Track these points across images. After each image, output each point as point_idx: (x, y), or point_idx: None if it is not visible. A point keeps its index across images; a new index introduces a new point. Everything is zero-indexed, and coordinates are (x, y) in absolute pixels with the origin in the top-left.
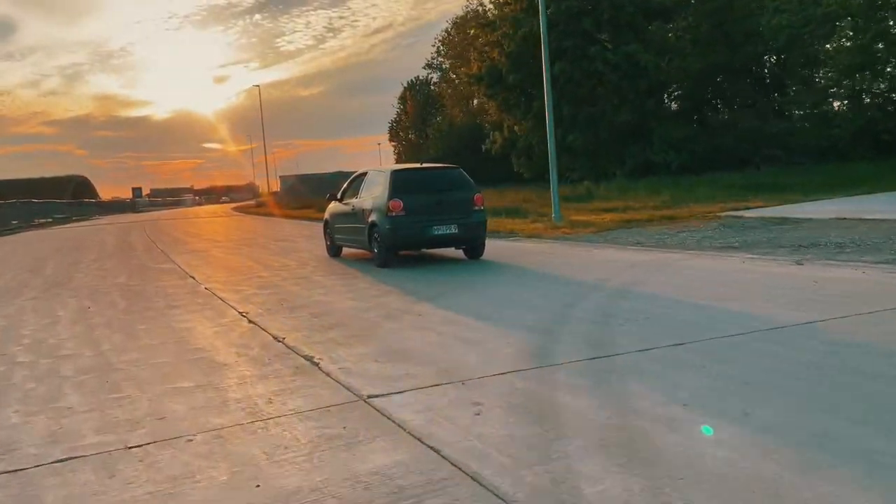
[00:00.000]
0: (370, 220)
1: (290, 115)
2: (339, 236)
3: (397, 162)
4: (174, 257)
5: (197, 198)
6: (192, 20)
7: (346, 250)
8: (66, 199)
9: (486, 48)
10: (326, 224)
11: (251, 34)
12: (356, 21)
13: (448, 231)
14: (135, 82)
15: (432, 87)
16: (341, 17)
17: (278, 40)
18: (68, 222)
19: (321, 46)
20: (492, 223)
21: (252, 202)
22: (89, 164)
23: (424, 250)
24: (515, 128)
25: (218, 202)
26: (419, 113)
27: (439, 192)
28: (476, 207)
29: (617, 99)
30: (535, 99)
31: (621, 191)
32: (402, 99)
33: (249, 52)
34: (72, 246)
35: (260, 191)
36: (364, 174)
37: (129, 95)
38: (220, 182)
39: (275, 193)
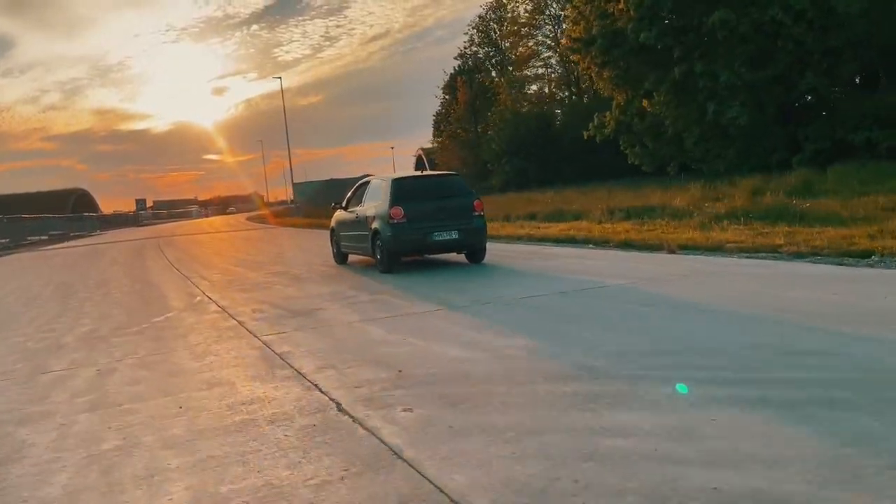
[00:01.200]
0: (373, 227)
1: (290, 124)
2: (344, 244)
3: (440, 160)
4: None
5: (202, 209)
6: (190, 32)
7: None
8: (67, 213)
9: (593, 4)
10: (332, 232)
11: (249, 45)
12: (353, 29)
13: (449, 237)
14: (134, 96)
15: (485, 75)
16: (338, 26)
17: (276, 50)
18: (65, 240)
19: (319, 55)
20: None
21: (266, 212)
22: (91, 179)
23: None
24: (644, 104)
25: (225, 213)
26: (471, 103)
27: (440, 199)
28: (476, 213)
29: (799, 60)
30: (676, 63)
31: (833, 187)
32: (450, 88)
33: (247, 62)
34: (63, 282)
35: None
36: (367, 183)
37: (129, 109)
38: (220, 193)
39: (292, 202)
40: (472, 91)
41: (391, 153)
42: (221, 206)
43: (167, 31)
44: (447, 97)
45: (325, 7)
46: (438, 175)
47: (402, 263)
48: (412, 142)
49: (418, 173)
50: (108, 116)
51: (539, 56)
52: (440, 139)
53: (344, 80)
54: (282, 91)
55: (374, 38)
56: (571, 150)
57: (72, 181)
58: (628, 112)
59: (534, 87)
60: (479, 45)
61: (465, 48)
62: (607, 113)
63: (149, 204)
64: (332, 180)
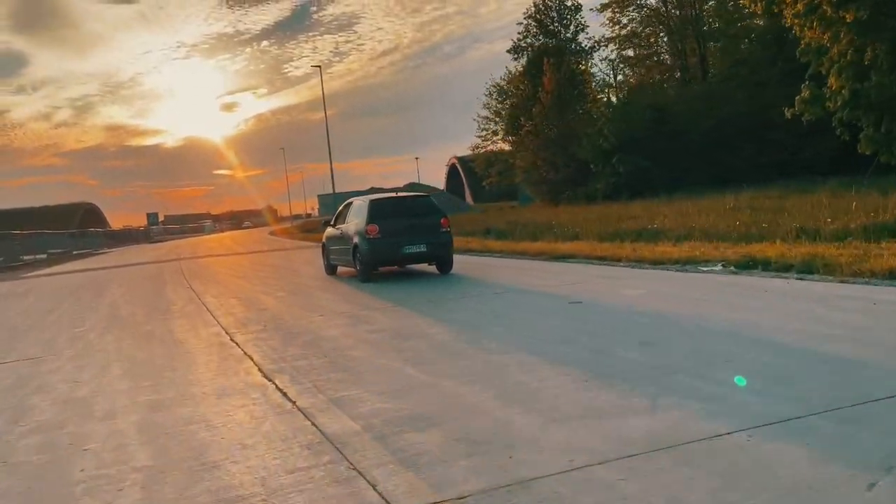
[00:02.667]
0: (354, 242)
1: (299, 139)
2: (332, 257)
3: (515, 164)
4: None
5: (216, 224)
6: (200, 49)
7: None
8: (74, 227)
9: None
10: (323, 247)
11: (259, 61)
12: (362, 45)
13: (418, 249)
14: (145, 112)
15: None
16: (347, 42)
17: (286, 66)
18: (66, 259)
19: (328, 71)
20: None
21: (289, 226)
22: (101, 195)
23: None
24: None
25: (240, 227)
26: (559, 93)
27: (411, 218)
28: (443, 229)
29: None
30: None
31: None
32: (530, 75)
33: (257, 78)
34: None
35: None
36: (351, 203)
37: (140, 125)
38: (231, 207)
39: (307, 216)
40: (560, 77)
41: (399, 168)
42: (235, 220)
43: (178, 47)
44: (521, 88)
45: (335, 23)
46: (412, 196)
47: (377, 273)
48: (426, 154)
49: (393, 195)
50: (118, 133)
51: (638, 35)
52: (512, 138)
53: (353, 95)
54: (321, 82)
55: (384, 54)
56: (700, 146)
57: (83, 197)
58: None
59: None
60: (535, 35)
61: (520, 40)
62: (830, 81)
63: (161, 218)
64: (373, 190)
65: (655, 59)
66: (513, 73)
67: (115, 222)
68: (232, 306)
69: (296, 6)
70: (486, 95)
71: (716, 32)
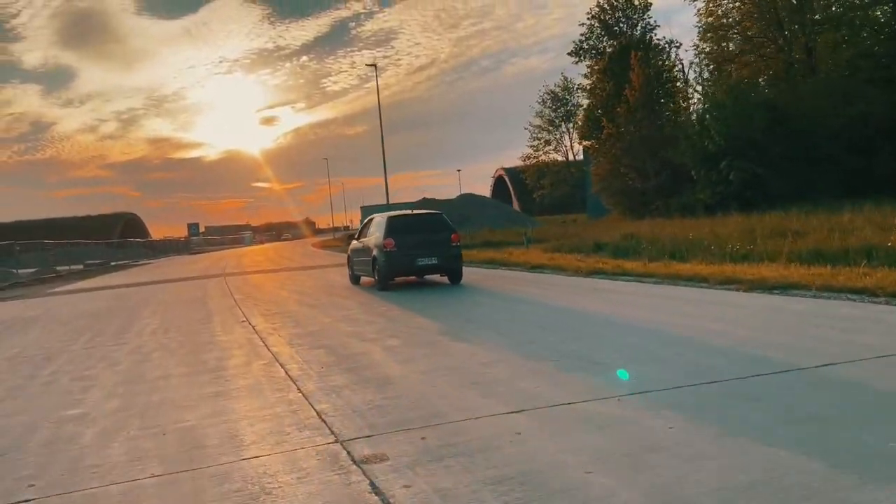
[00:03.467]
0: (373, 254)
1: (336, 153)
2: (356, 268)
3: (597, 171)
4: None
5: (255, 235)
6: (242, 63)
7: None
8: (115, 237)
9: None
10: (349, 259)
11: (298, 76)
12: (399, 60)
13: (430, 262)
14: (187, 125)
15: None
16: (385, 57)
17: (324, 81)
18: (103, 271)
19: (365, 86)
20: None
21: (331, 238)
22: (144, 206)
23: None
24: None
25: (280, 239)
26: (648, 90)
27: (424, 233)
28: (453, 244)
29: None
30: None
31: None
32: (611, 73)
33: (296, 93)
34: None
35: (316, 227)
36: (372, 219)
37: (182, 138)
38: (268, 219)
39: (345, 228)
40: (651, 72)
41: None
42: (273, 232)
43: (220, 62)
44: (601, 87)
45: (373, 38)
46: (425, 213)
47: (393, 282)
48: (467, 167)
49: (409, 212)
50: (162, 145)
51: (734, 28)
52: (589, 143)
53: (390, 110)
54: (377, 80)
55: (421, 69)
56: (827, 150)
57: (126, 208)
58: None
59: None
60: (599, 36)
61: (583, 41)
62: None
63: (201, 229)
64: (428, 202)
65: (759, 53)
66: (590, 71)
67: (157, 233)
68: (329, 371)
69: (335, 22)
70: (539, 103)
71: (829, 22)
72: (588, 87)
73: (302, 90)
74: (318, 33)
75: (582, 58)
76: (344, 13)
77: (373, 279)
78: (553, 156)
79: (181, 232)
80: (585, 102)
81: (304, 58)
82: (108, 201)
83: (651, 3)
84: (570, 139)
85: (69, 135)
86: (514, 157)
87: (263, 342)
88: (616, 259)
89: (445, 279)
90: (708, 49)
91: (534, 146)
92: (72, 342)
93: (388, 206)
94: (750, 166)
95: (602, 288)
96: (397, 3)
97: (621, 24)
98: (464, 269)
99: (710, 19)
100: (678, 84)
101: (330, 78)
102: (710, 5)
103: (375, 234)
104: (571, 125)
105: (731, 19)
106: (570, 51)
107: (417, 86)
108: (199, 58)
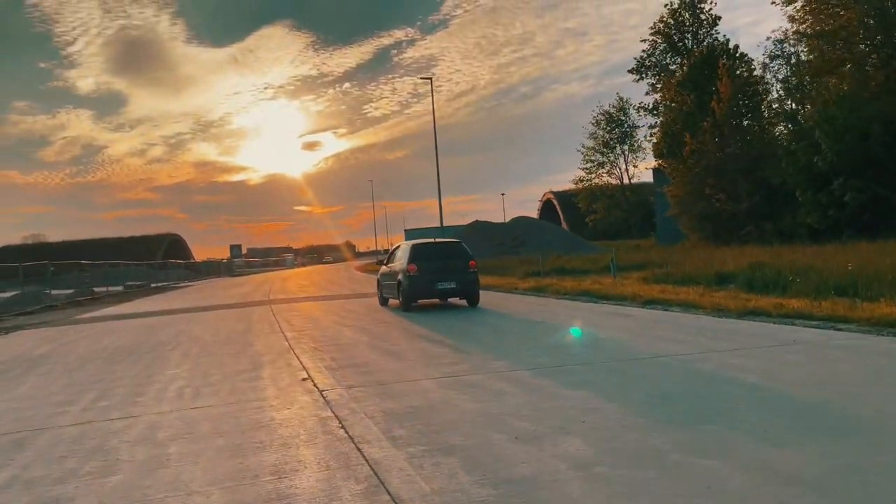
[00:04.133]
0: (398, 278)
1: (376, 177)
2: (384, 291)
3: (674, 192)
4: None
5: (297, 258)
6: (286, 90)
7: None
8: (159, 258)
9: None
10: (378, 282)
11: (340, 101)
12: (440, 87)
13: (449, 286)
14: (232, 149)
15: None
16: (426, 83)
17: (366, 107)
18: (141, 294)
19: (406, 111)
20: None
21: (374, 262)
22: (189, 228)
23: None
24: None
25: (321, 262)
26: (737, 103)
27: (444, 259)
28: (470, 270)
29: None
30: None
31: None
32: (689, 84)
33: (338, 118)
34: None
35: (357, 250)
36: (399, 246)
37: (227, 162)
38: (309, 242)
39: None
40: (739, 82)
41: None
42: (314, 254)
43: (265, 88)
44: (678, 101)
45: (415, 66)
46: (446, 241)
47: (416, 304)
48: (508, 192)
49: (431, 240)
50: (207, 169)
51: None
52: (667, 162)
53: (430, 135)
54: (432, 93)
55: (460, 95)
56: None
57: (172, 229)
58: None
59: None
60: (663, 52)
61: (645, 58)
62: None
63: (243, 251)
64: (482, 224)
65: (864, 63)
66: (657, 87)
67: (200, 254)
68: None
69: (377, 50)
70: (593, 124)
71: None
72: (660, 102)
73: (344, 115)
74: (361, 60)
75: (644, 75)
76: (386, 41)
77: (398, 301)
78: (606, 179)
79: (224, 253)
80: (649, 120)
81: (347, 84)
82: (155, 223)
83: (720, 18)
84: (626, 161)
85: (119, 158)
86: (555, 181)
87: (346, 432)
88: (749, 293)
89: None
90: (806, 58)
91: (586, 169)
92: (67, 406)
93: (441, 230)
94: (870, 187)
95: (805, 340)
96: (438, 31)
97: (687, 40)
98: (564, 303)
99: (805, 27)
100: (766, 96)
101: (371, 104)
102: (809, 12)
103: (401, 260)
104: (627, 147)
105: (832, 26)
106: (630, 68)
107: (457, 112)
108: (245, 84)
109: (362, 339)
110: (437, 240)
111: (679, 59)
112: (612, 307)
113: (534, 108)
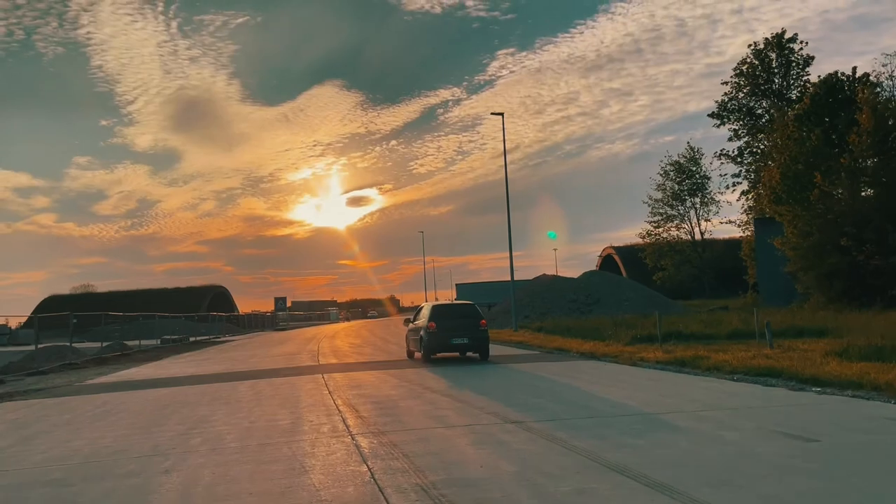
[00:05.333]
0: (420, 334)
1: (419, 233)
2: (410, 345)
3: (796, 249)
4: None
5: (342, 312)
6: (335, 147)
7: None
8: (203, 310)
9: None
10: (406, 337)
11: (386, 159)
12: (484, 144)
13: (462, 341)
14: (280, 204)
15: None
16: (471, 141)
17: (411, 163)
18: (175, 350)
19: (451, 168)
20: None
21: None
22: (235, 280)
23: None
24: None
25: (366, 316)
26: (879, 137)
27: (459, 318)
28: (481, 328)
29: None
30: None
31: None
32: (811, 118)
33: (384, 174)
34: None
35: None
36: (422, 307)
37: (275, 216)
38: (351, 296)
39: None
40: (880, 116)
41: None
42: (359, 308)
43: (314, 145)
44: (798, 138)
45: (460, 124)
46: (461, 303)
47: (435, 357)
48: (559, 248)
49: (448, 302)
50: (255, 223)
51: None
52: (790, 207)
53: (473, 192)
54: (503, 129)
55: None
56: None
57: (219, 282)
58: None
59: None
60: (747, 94)
61: (727, 101)
62: None
63: (288, 304)
64: (553, 279)
65: None
66: (779, 118)
67: (245, 306)
68: None
69: (424, 109)
70: (661, 175)
71: None
72: (745, 149)
73: (390, 172)
74: (408, 119)
75: (725, 119)
76: (433, 100)
77: (418, 353)
78: (675, 233)
79: (268, 306)
80: (730, 169)
81: (394, 142)
82: (205, 275)
83: (813, 58)
84: (697, 215)
85: (171, 212)
86: (603, 239)
87: None
88: None
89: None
90: None
91: (654, 222)
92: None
93: (511, 283)
94: None
95: None
96: (484, 91)
97: (774, 82)
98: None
99: None
100: None
101: (417, 161)
102: None
103: (423, 319)
104: (699, 199)
105: None
106: (711, 112)
107: (501, 169)
108: (295, 141)
109: (501, 464)
110: (454, 301)
111: (766, 102)
112: (881, 406)
113: (578, 167)
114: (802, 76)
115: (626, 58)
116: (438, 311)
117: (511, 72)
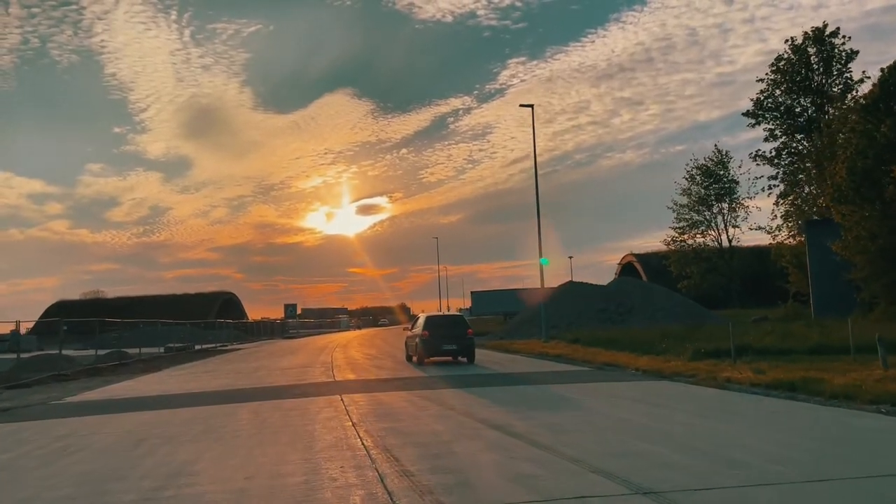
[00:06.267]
0: (416, 341)
1: (429, 242)
2: (408, 350)
3: (863, 254)
4: None
5: (353, 319)
6: (345, 155)
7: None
8: (212, 317)
9: None
10: (406, 343)
11: (397, 167)
12: (495, 153)
13: (451, 347)
14: (290, 212)
15: None
16: (481, 150)
17: (421, 172)
18: (177, 360)
19: (461, 177)
20: None
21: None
22: (246, 287)
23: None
24: None
25: (377, 324)
26: None
27: (449, 327)
28: (468, 336)
29: None
30: None
31: None
32: (883, 108)
33: (394, 183)
34: None
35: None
36: (418, 317)
37: (285, 224)
38: (361, 304)
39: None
40: None
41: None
42: (370, 316)
43: (325, 153)
44: (858, 128)
45: (470, 133)
46: (450, 315)
47: (428, 361)
48: (556, 258)
49: (440, 313)
50: (266, 231)
51: None
52: (849, 207)
53: (483, 201)
54: (533, 122)
55: (515, 161)
56: None
57: (228, 289)
58: None
59: None
60: (784, 92)
61: (763, 99)
62: None
63: (298, 311)
64: (584, 286)
65: None
66: (839, 111)
67: (255, 313)
68: None
69: (435, 117)
70: (687, 179)
71: None
72: (782, 149)
73: (400, 180)
74: (418, 128)
75: (761, 119)
76: (443, 108)
77: (415, 357)
78: (701, 240)
79: (278, 313)
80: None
81: (404, 150)
82: (215, 282)
83: (857, 52)
84: (725, 220)
85: (183, 219)
86: (616, 248)
87: None
88: None
89: None
90: None
91: (679, 228)
92: None
93: (541, 290)
94: None
95: None
96: (495, 100)
97: (815, 78)
98: None
99: None
100: None
101: (427, 169)
102: None
103: (419, 327)
104: (726, 205)
105: None
106: (746, 111)
107: (511, 178)
108: (306, 149)
109: None
110: (445, 313)
111: (804, 100)
112: None
113: (588, 175)
114: (844, 72)
115: (637, 67)
116: (432, 321)
117: (522, 80)
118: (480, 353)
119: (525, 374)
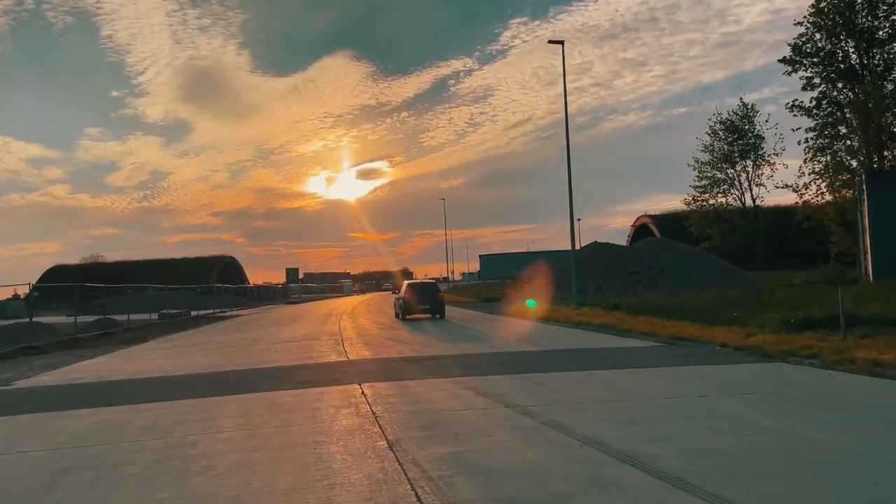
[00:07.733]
0: (399, 301)
1: (430, 206)
2: (396, 309)
3: None
4: None
5: (355, 284)
6: (345, 119)
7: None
8: (212, 281)
9: None
10: (394, 303)
11: (397, 131)
12: (496, 116)
13: (425, 307)
14: (291, 176)
15: None
16: (482, 113)
17: (422, 136)
18: (172, 329)
19: (462, 141)
20: None
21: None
22: (248, 252)
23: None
24: None
25: (380, 289)
26: None
27: (424, 291)
28: (439, 297)
29: None
30: None
31: None
32: None
33: (395, 147)
34: None
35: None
36: (403, 283)
37: (286, 189)
38: (363, 268)
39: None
40: None
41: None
42: (373, 281)
43: (325, 117)
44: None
45: (471, 95)
46: (426, 281)
47: (407, 318)
48: (553, 222)
49: (418, 281)
50: (266, 195)
51: None
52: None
53: (485, 165)
54: (563, 62)
55: (516, 125)
56: None
57: (229, 253)
58: None
59: None
60: (824, 39)
61: (803, 43)
62: None
63: (300, 276)
64: (596, 245)
65: None
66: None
67: (257, 278)
68: None
69: (436, 79)
70: (709, 135)
71: None
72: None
73: (400, 144)
74: (419, 90)
75: (798, 65)
76: (444, 70)
77: (399, 314)
78: (723, 199)
79: (280, 278)
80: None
81: (404, 113)
82: (217, 247)
83: None
84: (749, 178)
85: (183, 184)
86: (621, 211)
87: None
88: None
89: None
90: None
91: (700, 187)
92: None
93: (572, 252)
94: None
95: None
96: (496, 61)
97: (860, 20)
98: None
99: None
100: None
101: (428, 133)
102: None
103: (402, 291)
104: (751, 161)
105: None
106: (782, 57)
107: (513, 141)
108: (306, 113)
109: None
110: (423, 280)
111: (850, 44)
112: None
113: (591, 138)
114: (892, 14)
115: (641, 27)
116: (412, 287)
117: (524, 41)
118: (505, 322)
119: (586, 350)
